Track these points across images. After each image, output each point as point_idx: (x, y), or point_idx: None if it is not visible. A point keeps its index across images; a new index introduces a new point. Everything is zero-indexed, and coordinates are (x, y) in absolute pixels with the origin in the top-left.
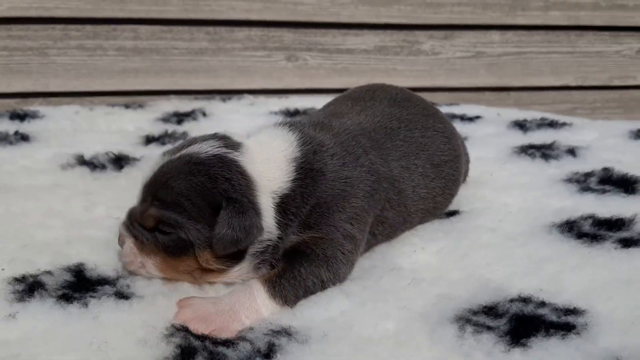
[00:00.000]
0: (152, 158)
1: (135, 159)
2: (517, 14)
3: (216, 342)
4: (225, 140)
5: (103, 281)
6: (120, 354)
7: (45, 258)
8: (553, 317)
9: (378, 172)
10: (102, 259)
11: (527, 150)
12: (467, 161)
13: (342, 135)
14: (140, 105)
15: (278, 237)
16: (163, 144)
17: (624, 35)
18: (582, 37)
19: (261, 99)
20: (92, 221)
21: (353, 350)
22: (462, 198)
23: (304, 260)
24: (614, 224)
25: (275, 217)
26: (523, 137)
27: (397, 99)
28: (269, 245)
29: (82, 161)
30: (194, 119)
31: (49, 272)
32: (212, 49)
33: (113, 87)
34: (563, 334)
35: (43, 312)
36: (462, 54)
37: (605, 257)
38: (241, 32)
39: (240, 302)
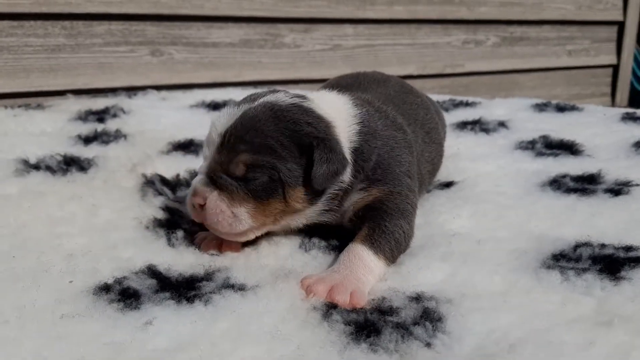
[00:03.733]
0: (106, 157)
1: (89, 159)
2: (366, 9)
3: (382, 312)
4: (292, 93)
5: (195, 279)
6: (300, 339)
7: (107, 265)
8: (621, 254)
9: (407, 133)
10: (166, 259)
11: (466, 126)
12: (444, 125)
13: (375, 101)
14: (40, 106)
15: (348, 184)
16: (104, 142)
17: (452, 27)
18: (420, 30)
19: (164, 93)
20: (110, 224)
21: (500, 302)
22: (448, 170)
23: (385, 215)
24: (588, 179)
25: (350, 162)
26: (449, 115)
27: (379, 80)
28: (341, 189)
29: (32, 166)
30: (116, 116)
31: (125, 278)
32: (70, 45)
33: None
34: None
35: (175, 315)
36: (321, 46)
37: (609, 204)
38: (101, 27)
39: (355, 265)
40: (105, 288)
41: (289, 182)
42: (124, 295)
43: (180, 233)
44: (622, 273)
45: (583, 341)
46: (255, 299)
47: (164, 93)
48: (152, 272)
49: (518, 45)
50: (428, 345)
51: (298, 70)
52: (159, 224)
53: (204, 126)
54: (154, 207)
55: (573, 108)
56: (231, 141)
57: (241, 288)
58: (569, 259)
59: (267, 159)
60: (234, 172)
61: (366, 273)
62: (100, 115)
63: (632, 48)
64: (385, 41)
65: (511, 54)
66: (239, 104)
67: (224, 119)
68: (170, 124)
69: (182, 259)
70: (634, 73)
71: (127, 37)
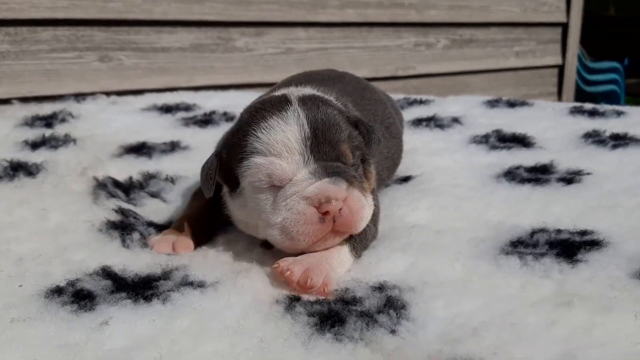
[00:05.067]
0: (56, 162)
1: (37, 164)
2: (318, 12)
3: (346, 302)
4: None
5: (152, 278)
6: (263, 332)
7: (59, 268)
8: (576, 238)
9: None
10: (121, 260)
11: (421, 122)
12: (402, 120)
13: (336, 96)
14: None
15: None
16: (53, 147)
17: (403, 30)
18: (372, 33)
19: (114, 98)
20: (61, 228)
21: (462, 288)
22: (406, 165)
23: None
24: (541, 170)
25: None
26: (404, 113)
27: (334, 77)
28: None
29: None
30: (64, 120)
31: (79, 280)
32: (14, 52)
33: None
34: (597, 248)
35: (132, 314)
36: (274, 50)
37: (562, 192)
38: (46, 32)
39: (331, 255)
40: (58, 291)
41: (368, 159)
42: (78, 297)
43: (135, 235)
44: (579, 256)
45: (545, 322)
46: (216, 295)
47: (113, 97)
48: (106, 273)
49: (467, 47)
50: (393, 332)
51: (251, 74)
52: (113, 226)
53: (156, 129)
54: (106, 210)
55: (523, 104)
56: (326, 137)
57: (200, 285)
58: (527, 245)
59: (356, 142)
60: (348, 160)
61: (339, 264)
62: (48, 121)
63: (576, 49)
64: (337, 44)
65: (461, 56)
66: (276, 111)
67: (295, 127)
68: (122, 128)
69: (137, 260)
70: (578, 73)
71: (74, 42)
